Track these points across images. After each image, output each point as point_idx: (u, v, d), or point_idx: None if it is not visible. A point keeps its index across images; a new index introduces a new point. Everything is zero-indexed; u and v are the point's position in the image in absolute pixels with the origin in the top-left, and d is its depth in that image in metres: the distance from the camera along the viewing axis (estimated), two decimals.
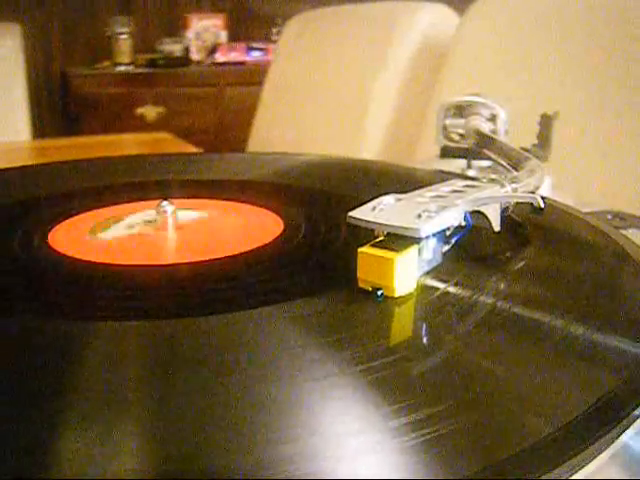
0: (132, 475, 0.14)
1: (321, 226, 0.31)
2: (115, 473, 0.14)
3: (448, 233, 0.24)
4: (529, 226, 0.30)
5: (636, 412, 0.16)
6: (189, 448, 0.15)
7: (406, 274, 0.22)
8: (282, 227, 0.31)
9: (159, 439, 0.15)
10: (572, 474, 0.15)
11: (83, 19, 2.21)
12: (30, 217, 0.34)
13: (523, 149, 0.37)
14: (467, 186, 0.27)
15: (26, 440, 0.15)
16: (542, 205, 0.26)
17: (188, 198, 0.35)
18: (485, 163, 0.42)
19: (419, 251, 0.23)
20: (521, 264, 0.27)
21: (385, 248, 0.22)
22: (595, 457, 0.15)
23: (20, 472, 0.14)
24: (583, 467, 0.15)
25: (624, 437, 0.16)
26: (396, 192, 0.25)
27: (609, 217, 0.35)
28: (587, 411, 0.16)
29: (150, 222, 0.31)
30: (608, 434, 0.16)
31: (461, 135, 0.42)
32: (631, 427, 0.16)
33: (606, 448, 0.16)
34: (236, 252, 0.28)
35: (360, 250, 0.22)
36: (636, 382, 0.18)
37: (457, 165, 0.42)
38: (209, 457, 0.15)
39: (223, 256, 0.27)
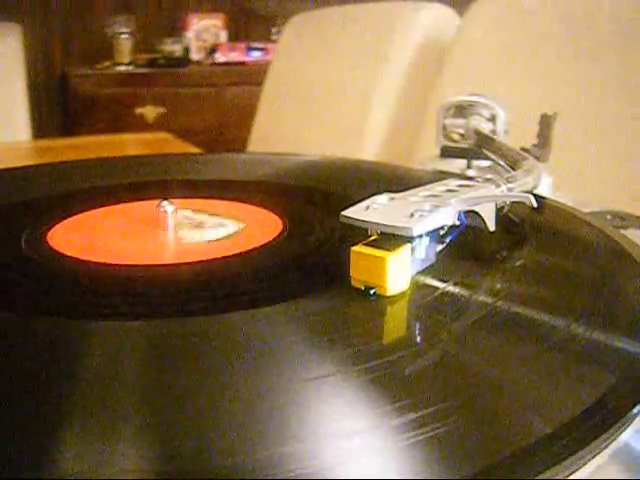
0: (132, 475, 0.14)
1: (320, 226, 0.31)
2: (115, 473, 0.14)
3: (442, 232, 0.24)
4: (529, 226, 0.30)
5: (635, 411, 0.16)
6: (189, 448, 0.15)
7: (399, 273, 0.22)
8: (281, 227, 0.31)
9: (159, 439, 0.15)
10: (572, 473, 0.15)
11: (83, 19, 2.21)
12: (30, 217, 0.34)
13: (523, 149, 0.37)
14: (461, 185, 0.26)
15: (26, 440, 0.15)
16: (535, 205, 0.26)
17: (188, 198, 0.35)
18: (485, 163, 0.42)
19: (412, 250, 0.23)
20: (519, 264, 0.27)
21: (378, 247, 0.22)
22: (595, 456, 0.15)
23: (20, 472, 0.14)
24: (583, 466, 0.15)
25: (624, 436, 0.16)
26: (393, 192, 0.25)
27: (609, 217, 0.35)
28: (586, 410, 0.16)
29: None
30: (607, 433, 0.16)
31: (461, 135, 0.42)
32: (631, 426, 0.16)
33: (606, 447, 0.16)
34: (235, 252, 0.28)
35: (353, 249, 0.22)
36: (635, 381, 0.18)
37: (457, 165, 0.42)
38: (209, 457, 0.15)
39: (222, 256, 0.27)
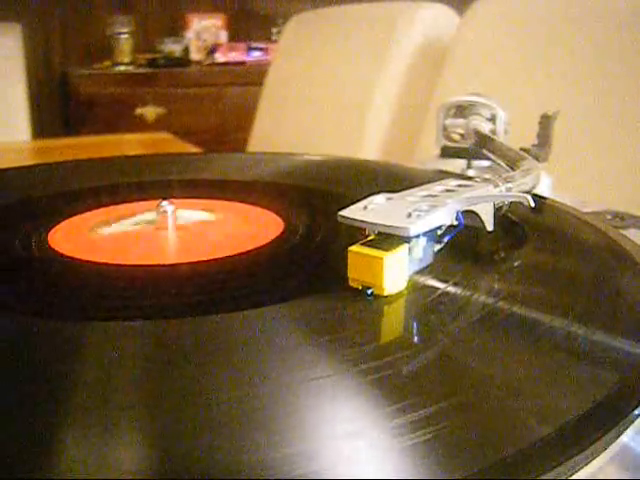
0: (132, 475, 0.14)
1: (321, 226, 0.31)
2: (115, 473, 0.14)
3: (440, 232, 0.24)
4: (528, 226, 0.30)
5: (636, 412, 0.16)
6: (189, 448, 0.15)
7: (396, 273, 0.22)
8: (282, 227, 0.31)
9: (159, 439, 0.15)
10: (572, 474, 0.15)
11: (83, 19, 2.21)
12: (30, 217, 0.34)
13: (523, 149, 0.37)
14: (460, 185, 0.26)
15: (26, 440, 0.15)
16: (533, 204, 0.26)
17: (188, 198, 0.35)
18: (485, 163, 0.42)
19: (409, 250, 0.23)
20: (517, 264, 0.27)
21: (375, 247, 0.22)
22: (595, 457, 0.15)
23: (20, 472, 0.14)
24: (583, 467, 0.15)
25: (624, 437, 0.16)
26: (392, 192, 0.25)
27: (609, 217, 0.35)
28: (587, 411, 0.16)
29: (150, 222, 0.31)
30: (608, 434, 0.16)
31: (461, 135, 0.42)
32: (631, 427, 0.16)
33: (606, 448, 0.16)
34: (236, 252, 0.28)
35: (350, 249, 0.22)
36: (636, 382, 0.18)
37: (457, 165, 0.42)
38: (209, 457, 0.15)
39: (222, 256, 0.27)
